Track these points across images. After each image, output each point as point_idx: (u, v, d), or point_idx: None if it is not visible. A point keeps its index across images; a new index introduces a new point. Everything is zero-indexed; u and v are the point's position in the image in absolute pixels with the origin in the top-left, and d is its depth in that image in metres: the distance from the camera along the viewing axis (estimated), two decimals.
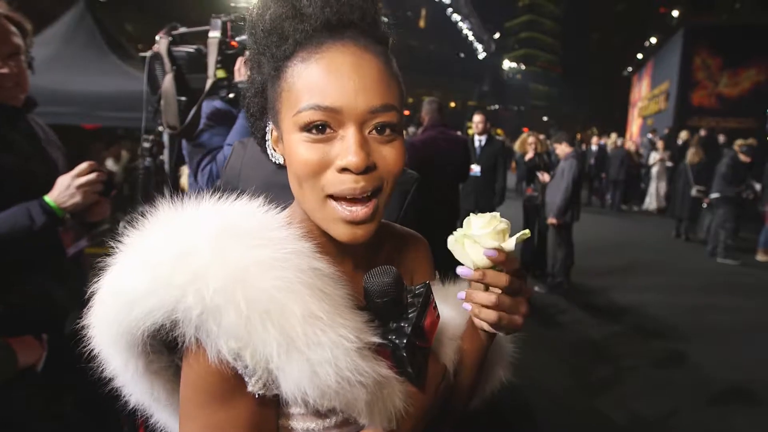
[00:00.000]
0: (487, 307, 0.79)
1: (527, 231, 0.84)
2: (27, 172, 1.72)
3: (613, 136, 14.52)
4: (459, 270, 0.81)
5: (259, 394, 0.66)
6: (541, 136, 7.92)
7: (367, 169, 0.71)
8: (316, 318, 0.65)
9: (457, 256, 0.81)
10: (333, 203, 0.73)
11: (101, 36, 7.11)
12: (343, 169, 0.70)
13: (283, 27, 0.74)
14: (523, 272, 0.81)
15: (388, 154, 0.74)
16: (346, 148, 0.70)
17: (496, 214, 0.82)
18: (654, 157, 12.91)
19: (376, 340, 0.70)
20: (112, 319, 0.67)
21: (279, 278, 0.65)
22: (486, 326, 0.82)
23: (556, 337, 5.08)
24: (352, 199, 0.72)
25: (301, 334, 0.64)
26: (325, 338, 0.65)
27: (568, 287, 6.44)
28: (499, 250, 0.78)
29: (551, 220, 6.18)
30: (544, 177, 6.75)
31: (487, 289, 0.81)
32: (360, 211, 0.72)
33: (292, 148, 0.73)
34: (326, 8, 0.73)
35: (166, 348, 0.71)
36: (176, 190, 2.45)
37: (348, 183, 0.71)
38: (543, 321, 5.48)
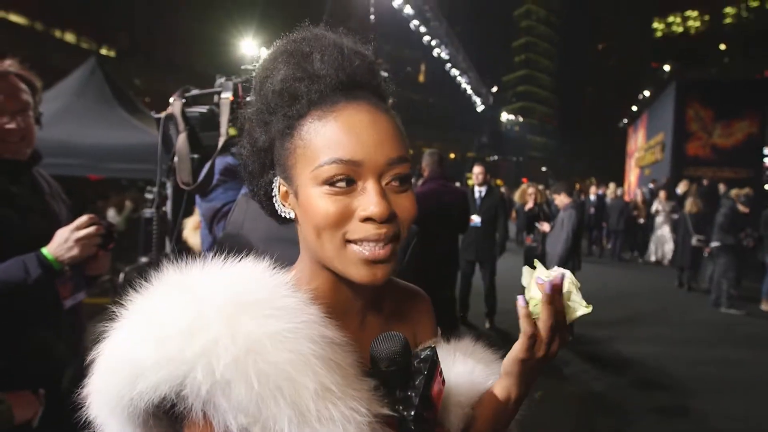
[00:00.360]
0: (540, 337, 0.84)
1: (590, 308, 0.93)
2: (25, 226, 1.75)
3: (612, 186, 14.58)
4: (520, 301, 0.87)
5: None
6: (540, 187, 8.02)
7: (389, 218, 0.73)
8: (328, 391, 0.64)
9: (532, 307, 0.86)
10: (353, 246, 0.74)
11: (110, 90, 7.35)
12: (366, 219, 0.73)
13: (295, 88, 0.76)
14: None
15: (405, 203, 0.77)
16: (368, 199, 0.73)
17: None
18: (657, 207, 12.63)
19: (386, 411, 0.68)
20: (113, 392, 0.66)
21: (292, 351, 0.64)
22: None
23: (559, 389, 4.97)
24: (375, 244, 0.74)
25: (314, 409, 0.63)
26: (337, 413, 0.63)
27: (571, 338, 6.35)
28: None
29: None
30: (544, 227, 6.78)
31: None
32: (380, 250, 0.74)
33: (312, 201, 0.74)
34: (340, 71, 0.76)
35: (167, 418, 0.68)
36: (179, 242, 2.48)
37: (371, 230, 0.73)
38: (546, 372, 5.36)
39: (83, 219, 1.72)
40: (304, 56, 0.77)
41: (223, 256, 0.75)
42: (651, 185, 16.13)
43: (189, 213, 3.07)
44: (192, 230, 3.25)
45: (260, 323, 0.65)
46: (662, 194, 12.61)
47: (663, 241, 12.72)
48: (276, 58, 0.79)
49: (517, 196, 8.32)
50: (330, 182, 0.73)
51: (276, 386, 0.62)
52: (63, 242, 1.68)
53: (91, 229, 1.72)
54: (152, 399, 0.63)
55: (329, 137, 0.73)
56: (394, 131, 0.77)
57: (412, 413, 0.69)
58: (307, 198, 0.75)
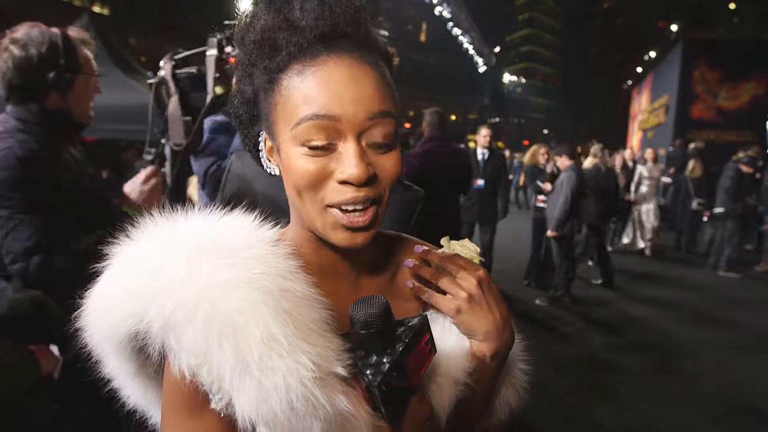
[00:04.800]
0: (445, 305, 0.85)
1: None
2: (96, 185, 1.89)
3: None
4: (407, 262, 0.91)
5: (223, 414, 0.66)
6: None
7: (368, 180, 0.71)
8: (276, 341, 0.64)
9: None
10: (333, 210, 0.73)
11: (104, 49, 7.19)
12: (344, 182, 0.71)
13: (276, 38, 0.73)
14: (494, 289, 0.87)
15: (387, 164, 0.74)
16: (346, 160, 0.70)
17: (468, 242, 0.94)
18: (641, 172, 9.75)
19: (341, 371, 0.67)
20: (95, 325, 0.71)
21: (243, 299, 0.65)
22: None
23: (556, 350, 5.06)
24: (353, 208, 0.73)
25: (257, 357, 0.63)
26: (281, 363, 0.63)
27: (570, 300, 6.44)
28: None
29: (551, 233, 6.21)
30: (546, 186, 6.77)
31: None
32: (360, 217, 0.73)
33: (291, 160, 0.73)
34: (320, 20, 0.72)
35: (148, 356, 0.72)
36: (180, 201, 2.55)
37: (349, 193, 0.71)
38: (543, 333, 5.47)
39: (149, 170, 1.78)
40: (286, 3, 0.74)
41: (216, 208, 0.76)
42: (664, 150, 15.25)
43: (189, 173, 3.07)
44: (195, 187, 3.28)
45: (218, 270, 0.67)
46: (649, 155, 10.08)
47: (645, 223, 9.73)
48: (257, 5, 0.76)
49: (527, 158, 8.07)
50: (308, 142, 0.71)
51: (221, 331, 0.64)
52: (138, 195, 1.76)
53: (157, 179, 1.81)
54: (123, 333, 0.68)
55: (307, 92, 0.71)
56: (379, 85, 0.73)
57: (379, 379, 0.68)
58: (288, 157, 0.74)
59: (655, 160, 10.03)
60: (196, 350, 0.64)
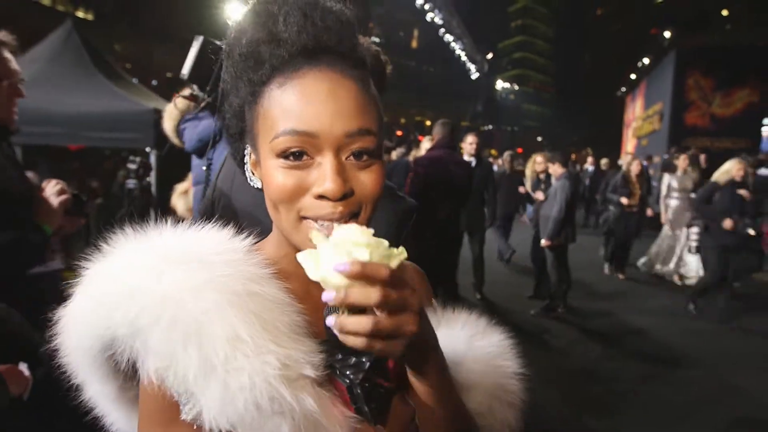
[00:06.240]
0: (359, 334, 0.62)
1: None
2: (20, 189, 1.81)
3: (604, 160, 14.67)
4: (323, 296, 0.62)
5: (195, 424, 0.66)
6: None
7: (345, 195, 0.71)
8: (241, 341, 0.65)
9: (311, 275, 0.64)
10: (309, 222, 0.73)
11: (88, 55, 7.17)
12: (320, 196, 0.71)
13: (260, 52, 0.74)
14: (405, 279, 0.64)
15: (366, 180, 0.74)
16: (323, 174, 0.70)
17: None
18: (668, 183, 8.13)
19: (310, 373, 0.67)
20: (69, 343, 0.73)
21: (207, 300, 0.67)
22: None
23: (549, 363, 5.05)
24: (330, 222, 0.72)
25: (222, 357, 0.64)
26: (247, 363, 0.64)
27: (564, 310, 6.44)
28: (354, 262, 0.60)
29: (544, 242, 6.22)
30: (538, 195, 6.80)
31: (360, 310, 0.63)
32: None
33: (269, 173, 0.73)
34: (302, 34, 0.73)
35: (128, 373, 0.73)
36: (165, 212, 2.55)
37: (326, 208, 0.71)
38: (536, 346, 5.46)
39: (57, 185, 1.77)
40: (271, 17, 0.74)
41: (198, 222, 0.78)
42: (646, 162, 15.73)
43: (176, 179, 3.07)
44: (179, 195, 3.27)
45: (185, 275, 0.69)
46: (682, 161, 8.04)
47: (675, 248, 8.07)
48: (246, 18, 0.77)
49: (529, 168, 8.11)
50: (284, 155, 0.71)
51: (185, 332, 0.65)
52: (48, 208, 1.73)
53: (66, 195, 1.78)
54: (94, 345, 0.70)
55: (285, 107, 0.71)
56: (357, 101, 0.73)
57: (360, 377, 0.69)
58: (266, 169, 0.75)
59: (692, 167, 8.05)
60: (161, 353, 0.65)
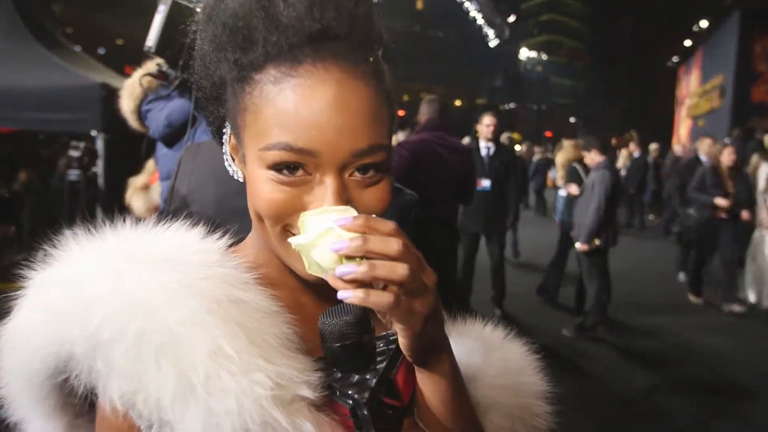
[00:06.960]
0: (389, 279, 0.64)
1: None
2: None
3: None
4: (339, 294, 0.65)
5: None
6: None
7: None
8: (226, 357, 0.65)
9: (313, 272, 0.70)
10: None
11: (21, 19, 7.14)
12: None
13: (251, 29, 0.72)
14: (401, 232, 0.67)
15: (370, 199, 0.74)
16: (321, 197, 0.70)
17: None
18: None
19: (308, 394, 0.67)
20: (9, 367, 0.72)
21: (181, 308, 0.66)
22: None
23: (582, 390, 5.07)
24: None
25: (203, 376, 0.64)
26: (233, 383, 0.64)
27: (603, 329, 6.40)
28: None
29: (580, 246, 6.15)
30: (571, 189, 6.76)
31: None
32: None
33: (256, 182, 0.73)
34: (307, 19, 0.71)
35: (81, 405, 0.73)
36: (116, 207, 2.58)
37: None
38: (568, 371, 5.46)
39: None
40: None
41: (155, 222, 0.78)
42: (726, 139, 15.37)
43: (131, 171, 3.09)
44: (136, 191, 3.28)
45: (152, 277, 0.68)
46: None
47: None
48: None
49: (561, 155, 7.81)
50: (277, 168, 0.71)
51: (158, 347, 0.64)
52: None
53: None
54: (40, 368, 0.69)
55: (281, 110, 0.70)
56: (371, 109, 0.72)
57: (366, 396, 0.69)
58: (252, 175, 0.74)
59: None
60: (129, 373, 0.64)
